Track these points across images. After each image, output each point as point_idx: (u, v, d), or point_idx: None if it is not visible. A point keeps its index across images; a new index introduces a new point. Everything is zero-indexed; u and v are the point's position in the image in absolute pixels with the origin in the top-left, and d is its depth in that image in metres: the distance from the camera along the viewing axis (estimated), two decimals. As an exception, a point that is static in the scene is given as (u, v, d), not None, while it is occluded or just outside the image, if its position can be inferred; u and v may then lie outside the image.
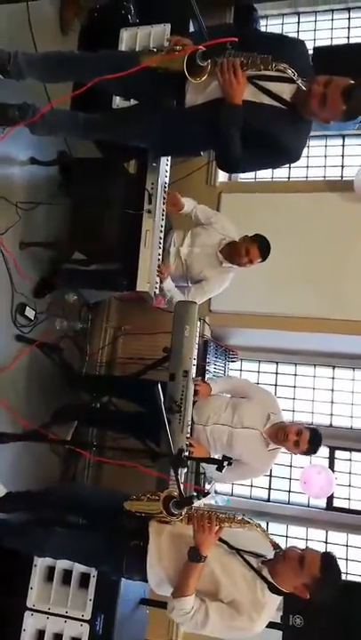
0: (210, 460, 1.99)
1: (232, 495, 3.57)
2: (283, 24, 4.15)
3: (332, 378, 3.67)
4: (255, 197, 3.63)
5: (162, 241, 2.66)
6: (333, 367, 3.68)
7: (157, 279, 2.59)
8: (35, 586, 2.32)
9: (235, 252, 2.70)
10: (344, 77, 1.88)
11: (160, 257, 2.63)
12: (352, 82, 1.87)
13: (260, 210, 3.49)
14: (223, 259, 2.77)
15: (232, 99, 1.94)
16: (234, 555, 1.89)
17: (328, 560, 1.81)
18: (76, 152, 2.88)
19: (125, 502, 1.97)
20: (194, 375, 2.45)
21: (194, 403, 2.47)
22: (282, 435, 2.44)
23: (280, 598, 1.88)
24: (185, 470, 2.26)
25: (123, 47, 2.89)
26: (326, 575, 1.78)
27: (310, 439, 2.42)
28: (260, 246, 2.66)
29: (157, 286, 2.61)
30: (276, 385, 3.74)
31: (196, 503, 1.92)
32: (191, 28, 2.73)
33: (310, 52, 3.35)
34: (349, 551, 3.33)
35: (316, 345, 3.60)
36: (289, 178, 3.79)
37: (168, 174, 2.71)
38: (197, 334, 2.57)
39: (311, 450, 2.46)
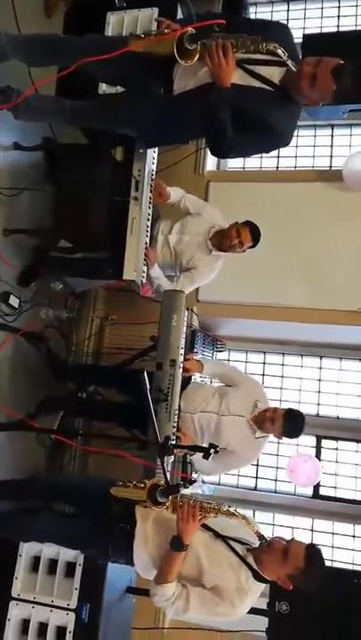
0: (197, 448, 1.98)
1: (219, 484, 3.59)
2: (272, 11, 4.10)
3: (320, 368, 3.68)
4: (244, 186, 3.61)
5: (149, 229, 2.63)
6: (321, 357, 3.70)
7: (144, 266, 2.57)
8: (20, 575, 2.31)
9: (225, 237, 2.68)
10: (334, 57, 1.87)
11: (147, 243, 2.60)
12: (341, 61, 1.86)
13: (249, 199, 3.47)
14: (213, 246, 2.75)
15: (221, 81, 1.92)
16: (220, 541, 1.90)
17: (312, 552, 1.83)
18: (61, 138, 2.83)
19: (112, 488, 1.96)
20: (182, 365, 2.43)
21: (182, 387, 2.45)
22: (262, 417, 2.46)
23: (264, 585, 1.90)
24: (172, 459, 2.25)
25: (109, 31, 2.84)
26: (310, 567, 1.79)
27: (284, 414, 2.42)
28: (251, 230, 2.64)
29: (145, 274, 2.58)
30: (263, 375, 3.75)
31: (183, 491, 1.93)
32: (179, 15, 2.69)
33: (300, 39, 3.35)
34: (335, 538, 3.37)
35: (303, 335, 3.61)
36: (278, 167, 3.77)
37: (155, 161, 2.68)
38: (185, 324, 2.56)
39: (289, 429, 2.45)
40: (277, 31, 1.99)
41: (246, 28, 2.01)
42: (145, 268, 2.59)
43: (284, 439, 2.59)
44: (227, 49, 1.85)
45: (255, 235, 2.65)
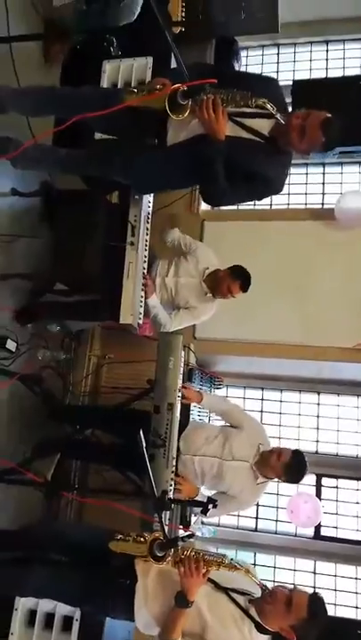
0: (195, 503, 1.94)
1: (219, 526, 3.52)
2: (263, 55, 4.25)
3: (318, 404, 3.67)
4: (238, 225, 3.66)
5: (145, 272, 2.65)
6: (318, 393, 3.68)
7: (142, 301, 2.57)
8: (15, 631, 2.22)
9: (216, 286, 2.71)
10: (321, 111, 1.95)
11: (145, 272, 2.61)
12: (329, 115, 1.93)
13: (243, 237, 3.53)
14: (207, 289, 2.77)
15: (216, 135, 1.97)
16: (221, 593, 1.86)
17: (315, 602, 1.80)
18: (58, 183, 2.87)
19: (111, 543, 1.91)
20: (179, 409, 2.41)
21: (182, 427, 2.41)
22: (265, 463, 2.38)
23: (267, 637, 1.85)
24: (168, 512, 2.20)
25: (105, 79, 2.91)
26: (313, 617, 1.77)
27: (288, 463, 2.32)
28: (241, 283, 2.67)
29: (142, 310, 2.59)
30: (261, 411, 3.73)
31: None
32: (173, 62, 2.78)
33: (290, 83, 3.46)
34: (338, 581, 3.29)
35: (300, 371, 3.61)
36: (271, 206, 3.84)
37: (151, 205, 2.72)
38: (182, 364, 2.54)
39: (292, 478, 2.39)
40: (267, 85, 2.07)
41: (237, 81, 2.08)
42: (143, 305, 2.59)
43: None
44: (217, 104, 1.91)
45: (244, 285, 2.68)
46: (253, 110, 1.96)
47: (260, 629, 1.80)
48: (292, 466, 2.33)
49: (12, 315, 2.74)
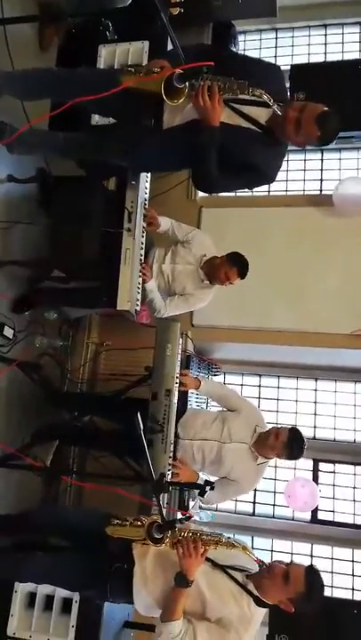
0: (192, 486, 1.97)
1: (216, 510, 3.56)
2: (261, 39, 4.20)
3: (315, 390, 3.69)
4: (235, 212, 3.65)
5: (142, 257, 2.64)
6: (316, 379, 3.70)
7: (139, 288, 2.56)
8: (15, 613, 2.26)
9: (214, 273, 2.70)
10: (318, 104, 1.92)
11: (142, 259, 2.60)
12: (325, 108, 1.90)
13: (241, 224, 3.51)
14: (204, 276, 2.76)
15: (210, 121, 1.95)
16: (219, 571, 1.89)
17: (312, 574, 1.84)
18: (55, 170, 2.86)
19: (107, 528, 1.93)
20: (177, 395, 2.42)
21: (180, 414, 2.42)
22: (263, 443, 2.42)
23: (265, 611, 1.90)
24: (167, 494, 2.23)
25: (101, 63, 2.89)
26: (311, 589, 1.81)
27: (287, 440, 2.37)
28: (238, 270, 2.65)
29: (139, 296, 2.58)
30: (259, 398, 3.75)
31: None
32: (169, 46, 2.74)
33: (288, 68, 3.42)
34: (334, 564, 3.34)
35: (298, 357, 3.62)
36: (269, 192, 3.82)
37: (148, 191, 2.71)
38: (180, 350, 2.56)
39: (292, 453, 2.41)
40: (268, 72, 2.04)
41: (237, 65, 2.06)
42: (140, 291, 2.59)
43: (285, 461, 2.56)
44: (213, 92, 1.89)
45: (242, 272, 2.66)
46: (251, 97, 1.94)
47: (259, 603, 1.84)
48: (291, 443, 2.37)
49: (9, 302, 2.74)
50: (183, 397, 2.78)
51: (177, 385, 2.45)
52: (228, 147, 1.98)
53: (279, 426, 2.51)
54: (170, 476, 2.16)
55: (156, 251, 2.85)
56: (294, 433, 2.41)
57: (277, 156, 2.09)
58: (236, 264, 2.66)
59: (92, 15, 3.03)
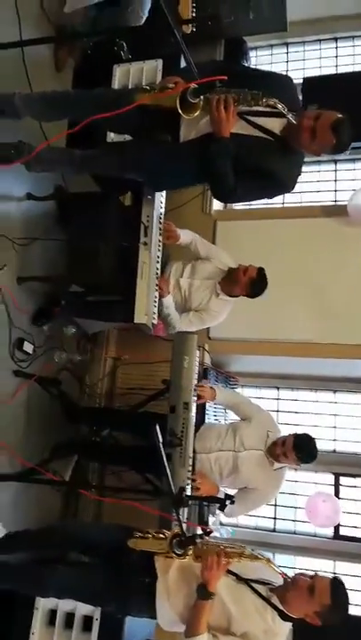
0: (212, 500, 1.95)
1: (237, 526, 3.50)
2: (272, 54, 4.25)
3: (334, 402, 3.64)
4: (250, 224, 3.65)
5: (159, 271, 2.66)
6: (335, 391, 3.65)
7: (156, 301, 2.57)
8: (36, 630, 2.26)
9: (233, 286, 2.69)
10: (332, 111, 1.92)
11: (158, 274, 2.61)
12: (340, 116, 1.91)
13: (256, 237, 3.51)
14: (221, 291, 2.77)
15: (220, 132, 1.98)
16: (243, 585, 1.87)
17: (337, 586, 1.81)
18: (72, 186, 2.91)
19: (130, 540, 1.93)
20: (195, 408, 2.42)
21: (196, 427, 2.42)
22: (273, 450, 2.43)
23: (290, 625, 1.87)
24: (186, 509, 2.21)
25: (116, 83, 2.95)
26: (336, 602, 1.78)
27: (294, 444, 2.38)
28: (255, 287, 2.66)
29: (156, 310, 2.59)
30: (278, 411, 3.71)
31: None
32: (182, 64, 2.79)
33: (300, 81, 3.45)
34: (358, 581, 3.25)
35: (316, 369, 3.58)
36: (283, 204, 3.82)
37: (163, 205, 2.73)
38: (197, 363, 2.55)
39: (302, 456, 2.40)
40: (280, 83, 2.06)
41: (249, 78, 2.08)
42: (156, 305, 2.60)
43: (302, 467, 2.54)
44: (228, 103, 1.91)
45: (254, 292, 2.67)
46: (265, 109, 1.96)
47: (284, 617, 1.81)
48: (297, 447, 2.38)
49: (28, 317, 2.78)
50: (201, 409, 2.79)
51: (195, 398, 2.45)
52: (243, 157, 2.00)
53: None
54: (190, 490, 2.14)
55: (173, 265, 2.87)
56: (299, 437, 2.42)
57: (295, 164, 2.10)
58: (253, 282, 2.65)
59: (106, 35, 3.10)
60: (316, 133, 1.90)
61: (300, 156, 2.09)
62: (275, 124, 1.99)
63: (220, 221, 3.68)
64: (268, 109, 1.93)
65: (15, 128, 2.37)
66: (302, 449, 2.39)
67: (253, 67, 3.98)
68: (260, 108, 1.94)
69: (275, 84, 2.03)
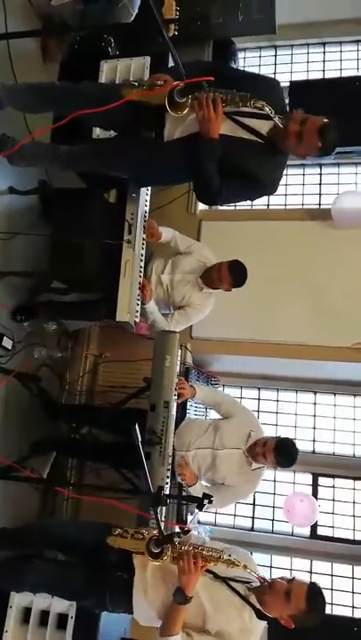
0: (190, 499, 1.95)
1: (215, 525, 3.52)
2: (260, 56, 4.26)
3: (314, 403, 3.67)
4: (235, 225, 3.67)
5: (142, 270, 2.66)
6: (315, 393, 3.69)
7: (139, 300, 2.57)
8: (10, 629, 2.23)
9: (211, 278, 2.71)
10: (319, 116, 1.94)
11: (141, 277, 2.61)
12: (326, 120, 1.93)
13: (240, 237, 3.53)
14: (203, 284, 2.77)
15: (209, 133, 1.98)
16: (220, 583, 1.88)
17: (314, 592, 1.83)
18: (55, 181, 2.88)
19: (108, 538, 1.93)
20: (175, 407, 2.42)
21: (175, 425, 2.43)
22: (253, 451, 2.44)
23: (265, 624, 1.90)
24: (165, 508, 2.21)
25: (103, 78, 2.92)
26: (312, 607, 1.80)
27: (276, 447, 2.38)
28: (230, 269, 2.65)
29: (138, 308, 2.59)
30: (258, 411, 3.73)
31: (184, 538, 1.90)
32: (170, 62, 2.79)
33: (287, 84, 3.47)
34: (334, 580, 3.29)
35: (297, 371, 3.62)
36: (268, 206, 3.85)
37: (148, 203, 2.73)
38: (178, 363, 2.56)
39: (281, 459, 2.40)
40: (267, 86, 2.07)
41: (237, 80, 2.09)
42: (139, 303, 2.59)
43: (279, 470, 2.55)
44: (217, 103, 1.92)
45: (236, 273, 2.66)
46: (252, 110, 1.97)
47: (260, 616, 1.83)
48: (277, 451, 2.37)
49: (8, 312, 2.74)
50: (182, 407, 2.79)
51: (175, 397, 2.45)
52: (228, 158, 2.00)
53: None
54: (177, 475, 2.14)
55: (154, 262, 2.87)
56: (282, 441, 2.42)
57: (278, 166, 2.11)
58: (229, 265, 2.66)
59: (94, 30, 3.07)
60: (303, 137, 1.92)
61: (284, 157, 2.10)
62: (262, 126, 2.00)
63: (204, 221, 3.68)
64: (255, 110, 1.93)
65: (-2, 120, 2.34)
66: (283, 453, 2.39)
67: (241, 69, 3.99)
68: (248, 109, 1.95)
69: (262, 86, 2.04)
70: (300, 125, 1.92)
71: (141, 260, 2.64)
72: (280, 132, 1.97)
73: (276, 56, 4.21)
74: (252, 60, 4.27)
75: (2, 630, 2.21)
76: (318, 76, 4.01)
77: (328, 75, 4.01)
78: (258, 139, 2.01)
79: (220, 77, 1.98)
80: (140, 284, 2.58)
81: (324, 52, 4.11)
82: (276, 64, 4.20)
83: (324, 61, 4.09)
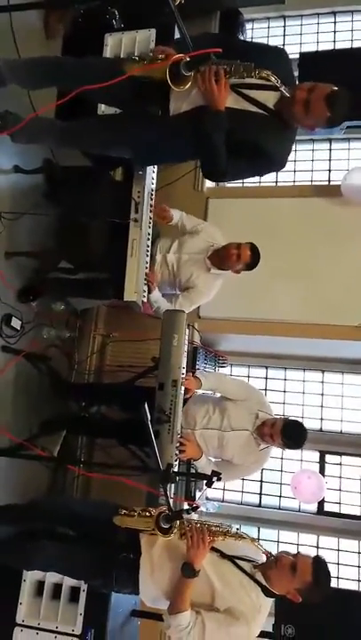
0: (199, 476, 1.97)
1: (223, 501, 3.57)
2: (269, 27, 4.14)
3: (322, 382, 3.68)
4: (243, 203, 3.62)
5: (149, 249, 2.63)
6: (323, 371, 3.69)
7: (145, 288, 2.57)
8: (24, 601, 2.29)
9: (224, 255, 2.67)
10: (327, 84, 1.88)
11: (147, 265, 2.60)
12: (335, 88, 1.87)
13: (248, 215, 3.49)
14: (211, 265, 2.75)
15: (215, 105, 1.93)
16: (227, 561, 1.90)
17: (319, 565, 1.85)
18: (61, 160, 2.84)
19: (115, 518, 1.95)
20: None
21: (184, 403, 2.44)
22: (262, 429, 2.44)
23: (272, 601, 1.92)
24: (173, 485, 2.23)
25: (107, 52, 2.87)
26: (318, 580, 1.83)
27: (283, 429, 2.38)
28: (251, 248, 2.64)
29: (145, 295, 2.58)
30: (266, 389, 3.74)
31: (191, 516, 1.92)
32: (176, 34, 2.72)
33: (296, 56, 3.37)
34: (340, 555, 3.34)
35: (305, 349, 3.61)
36: (276, 183, 3.78)
37: (155, 182, 2.69)
38: (186, 342, 2.55)
39: (288, 442, 2.41)
40: (275, 56, 2.01)
41: (244, 52, 2.02)
42: (145, 290, 2.58)
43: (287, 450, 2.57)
44: (219, 76, 1.87)
45: (255, 254, 2.64)
46: (258, 82, 1.92)
47: (267, 593, 1.86)
48: (285, 432, 2.37)
49: (16, 293, 2.75)
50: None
51: (183, 377, 2.45)
52: (235, 132, 1.96)
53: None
54: (177, 459, 2.17)
55: (160, 241, 2.84)
56: (289, 423, 2.41)
57: (286, 140, 2.06)
58: (250, 244, 2.64)
59: (98, 3, 2.99)
60: (310, 106, 1.86)
61: (292, 131, 2.05)
62: (268, 97, 1.95)
63: (211, 199, 3.63)
64: (260, 82, 1.88)
65: (1, 97, 2.29)
66: (290, 435, 2.39)
67: (248, 40, 3.89)
68: (253, 81, 1.89)
69: (270, 57, 1.98)
70: (308, 94, 1.86)
71: (148, 240, 2.62)
72: (287, 103, 1.91)
73: (285, 27, 4.09)
74: (260, 31, 4.16)
75: (17, 602, 2.28)
76: (329, 47, 3.90)
77: (339, 45, 3.89)
78: (264, 111, 1.95)
79: (228, 50, 1.93)
80: (146, 276, 2.55)
81: (334, 22, 3.98)
82: (285, 35, 4.09)
83: (334, 32, 3.97)
